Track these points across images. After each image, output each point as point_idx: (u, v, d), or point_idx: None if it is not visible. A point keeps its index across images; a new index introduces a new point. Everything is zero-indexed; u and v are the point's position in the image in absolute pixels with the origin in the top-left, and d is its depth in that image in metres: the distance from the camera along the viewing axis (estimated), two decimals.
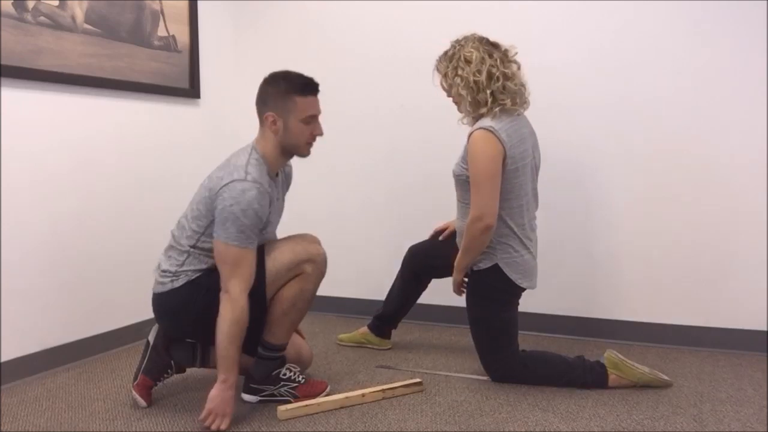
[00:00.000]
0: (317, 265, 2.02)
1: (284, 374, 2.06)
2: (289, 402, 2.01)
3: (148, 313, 2.75)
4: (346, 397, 2.04)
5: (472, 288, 2.19)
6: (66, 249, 2.44)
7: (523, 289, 2.17)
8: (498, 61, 2.05)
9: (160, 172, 2.88)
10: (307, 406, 1.97)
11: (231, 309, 1.86)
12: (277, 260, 1.98)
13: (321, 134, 2.05)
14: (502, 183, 2.04)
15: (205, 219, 1.94)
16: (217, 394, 1.84)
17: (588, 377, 2.13)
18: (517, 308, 2.20)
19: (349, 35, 3.09)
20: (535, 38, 2.71)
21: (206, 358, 2.11)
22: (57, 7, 2.36)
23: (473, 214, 2.03)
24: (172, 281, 1.99)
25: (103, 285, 2.61)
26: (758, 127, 2.45)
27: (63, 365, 2.44)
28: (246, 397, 2.06)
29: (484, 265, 2.12)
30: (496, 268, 2.11)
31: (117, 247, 2.66)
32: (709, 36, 2.49)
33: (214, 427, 1.83)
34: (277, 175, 2.07)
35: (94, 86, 2.52)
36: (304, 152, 2.06)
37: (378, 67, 3.04)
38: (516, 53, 2.12)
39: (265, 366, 2.05)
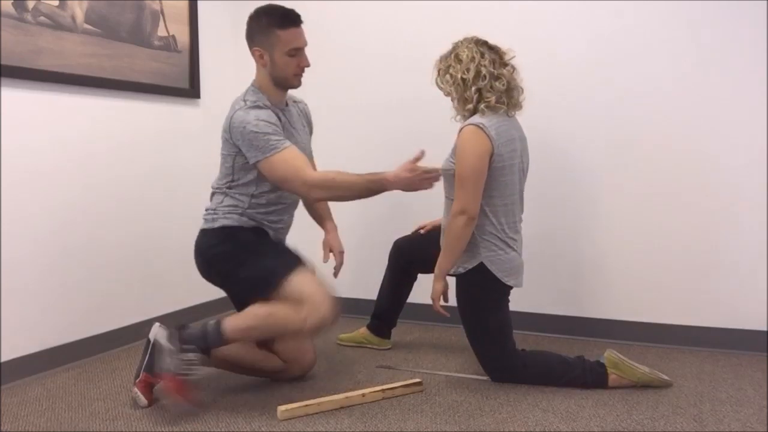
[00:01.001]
0: (304, 329, 1.98)
1: (190, 358, 1.93)
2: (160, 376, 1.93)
3: (148, 313, 2.78)
4: (346, 397, 2.04)
5: (460, 291, 2.19)
6: (66, 249, 2.44)
7: (511, 287, 2.17)
8: (488, 61, 2.08)
9: (161, 173, 2.88)
10: (307, 406, 1.97)
11: (322, 189, 1.96)
12: (287, 300, 1.96)
13: (308, 65, 2.10)
14: (488, 180, 2.07)
15: (230, 158, 2.07)
16: (402, 187, 1.96)
17: (588, 377, 2.13)
18: (508, 307, 2.20)
19: (349, 35, 3.09)
20: (534, 37, 2.71)
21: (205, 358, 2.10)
22: (57, 7, 2.36)
23: (456, 208, 2.06)
24: (213, 219, 2.11)
25: (103, 285, 2.61)
26: (758, 126, 2.45)
27: (63, 365, 2.44)
28: (155, 330, 1.98)
29: (470, 264, 2.13)
30: (481, 268, 2.11)
31: (117, 248, 2.66)
32: (709, 36, 2.49)
33: (429, 185, 1.98)
34: (286, 105, 2.16)
35: (94, 86, 2.52)
36: (293, 83, 2.11)
37: (378, 67, 3.04)
38: (513, 57, 2.15)
39: (196, 337, 1.95)
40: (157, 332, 1.98)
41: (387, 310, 2.62)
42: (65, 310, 2.45)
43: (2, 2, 2.17)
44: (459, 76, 2.08)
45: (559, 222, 2.76)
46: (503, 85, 2.08)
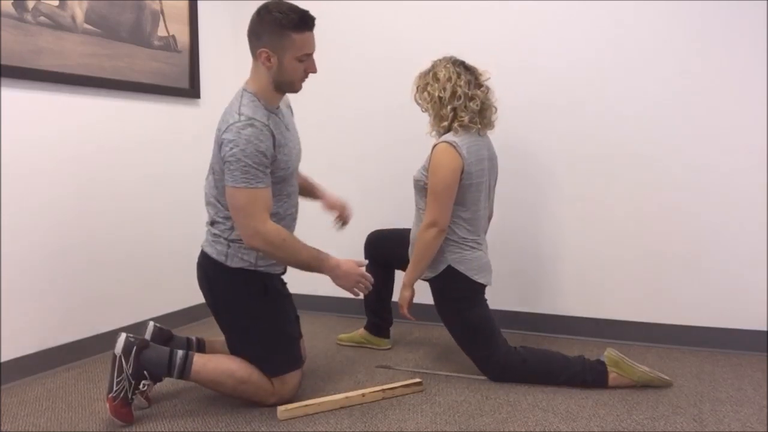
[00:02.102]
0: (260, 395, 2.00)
1: (144, 386, 1.91)
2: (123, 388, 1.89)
3: (148, 313, 2.78)
4: (346, 397, 2.04)
5: (435, 296, 2.26)
6: (66, 249, 2.44)
7: (484, 286, 2.22)
8: (464, 81, 2.16)
9: (160, 173, 2.88)
10: (307, 406, 1.97)
11: (266, 243, 1.85)
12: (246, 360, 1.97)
13: (315, 72, 1.98)
14: (455, 196, 2.14)
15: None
16: (337, 277, 1.95)
17: (588, 375, 2.13)
18: (485, 305, 2.24)
19: (348, 36, 3.09)
20: (534, 38, 2.71)
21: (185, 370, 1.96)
22: (57, 7, 2.36)
23: (427, 220, 2.13)
24: (225, 254, 1.96)
25: (103, 285, 2.61)
26: (758, 126, 2.45)
27: (63, 365, 2.44)
28: (120, 343, 1.93)
29: (438, 269, 2.19)
30: (450, 270, 2.17)
31: (117, 248, 2.66)
32: (709, 36, 2.49)
33: (363, 290, 2.00)
34: (278, 107, 2.02)
35: (94, 86, 2.52)
36: (297, 89, 2.00)
37: (377, 69, 3.04)
38: (488, 78, 2.23)
39: (156, 363, 1.92)
40: (121, 344, 1.92)
41: (375, 305, 2.63)
42: (65, 310, 2.45)
43: (2, 2, 2.17)
44: (436, 94, 2.16)
45: (559, 222, 2.76)
46: (477, 105, 2.16)
